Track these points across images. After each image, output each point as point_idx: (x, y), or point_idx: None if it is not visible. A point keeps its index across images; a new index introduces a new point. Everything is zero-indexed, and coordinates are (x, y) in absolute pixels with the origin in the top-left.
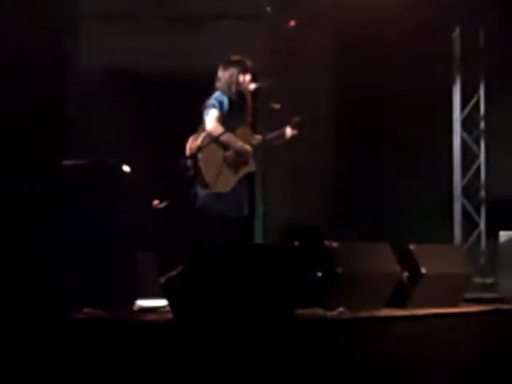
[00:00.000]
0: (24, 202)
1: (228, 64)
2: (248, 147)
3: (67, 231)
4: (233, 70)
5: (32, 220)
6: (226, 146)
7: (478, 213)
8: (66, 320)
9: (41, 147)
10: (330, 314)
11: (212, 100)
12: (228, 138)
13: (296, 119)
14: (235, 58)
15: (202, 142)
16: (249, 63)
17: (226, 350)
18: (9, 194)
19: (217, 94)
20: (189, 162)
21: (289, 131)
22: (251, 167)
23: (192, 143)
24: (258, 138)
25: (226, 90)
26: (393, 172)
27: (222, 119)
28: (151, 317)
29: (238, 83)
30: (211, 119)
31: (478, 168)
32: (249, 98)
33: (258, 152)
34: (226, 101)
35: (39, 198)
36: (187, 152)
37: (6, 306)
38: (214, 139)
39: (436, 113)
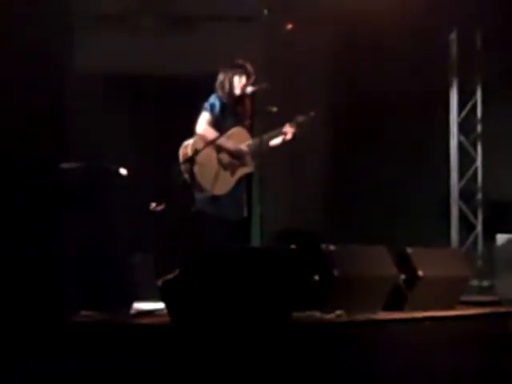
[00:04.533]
0: (23, 205)
1: (228, 67)
2: (242, 147)
3: (65, 234)
4: (230, 74)
5: (30, 223)
6: (219, 149)
7: (475, 216)
8: (64, 322)
9: (40, 148)
10: (327, 316)
11: (205, 103)
12: (219, 140)
13: (299, 118)
14: (236, 61)
15: (193, 144)
16: (249, 68)
17: (223, 352)
18: (8, 196)
19: (211, 96)
20: (182, 167)
21: (289, 130)
22: (248, 168)
23: (185, 149)
24: (256, 139)
25: (221, 93)
26: (390, 175)
27: (214, 122)
28: (148, 320)
29: (232, 86)
30: (202, 122)
31: (475, 171)
32: (246, 102)
33: (256, 154)
34: (217, 104)
35: (37, 201)
36: (181, 157)
37: (5, 308)
38: (208, 143)
39: (433, 116)
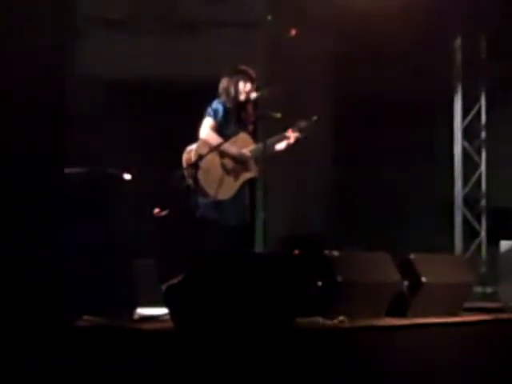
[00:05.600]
0: (25, 210)
1: (231, 72)
2: (245, 152)
3: (68, 239)
4: (234, 79)
5: (33, 228)
6: (222, 154)
7: (479, 222)
8: (67, 327)
9: (40, 150)
10: (330, 322)
11: (208, 108)
12: (222, 146)
13: (301, 123)
14: (239, 67)
15: (196, 149)
16: (252, 73)
17: (226, 358)
18: (10, 202)
19: (214, 102)
20: (186, 172)
21: (292, 135)
22: (252, 173)
23: (188, 154)
24: (259, 144)
25: (224, 98)
26: (393, 181)
27: (218, 127)
28: (151, 325)
29: (237, 92)
30: (205, 127)
31: (479, 177)
32: (249, 107)
33: (260, 159)
34: (220, 109)
35: (40, 206)
36: (184, 163)
37: (7, 313)
38: (212, 148)
39: (437, 122)
